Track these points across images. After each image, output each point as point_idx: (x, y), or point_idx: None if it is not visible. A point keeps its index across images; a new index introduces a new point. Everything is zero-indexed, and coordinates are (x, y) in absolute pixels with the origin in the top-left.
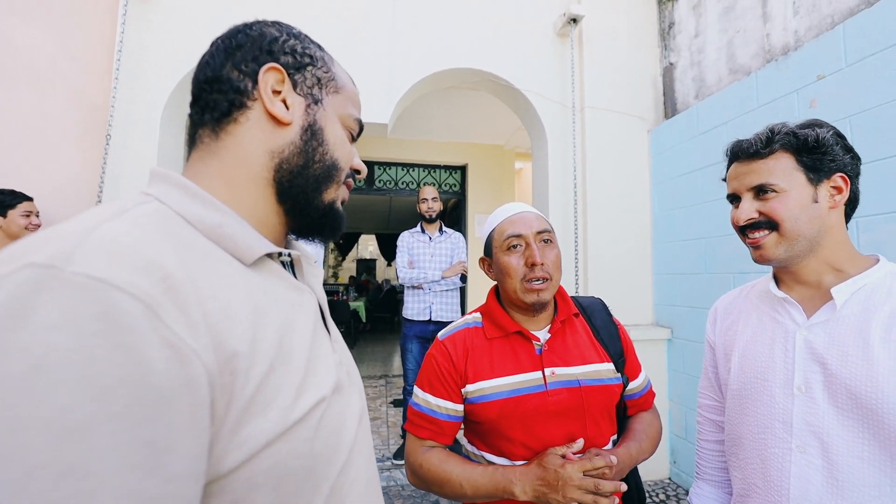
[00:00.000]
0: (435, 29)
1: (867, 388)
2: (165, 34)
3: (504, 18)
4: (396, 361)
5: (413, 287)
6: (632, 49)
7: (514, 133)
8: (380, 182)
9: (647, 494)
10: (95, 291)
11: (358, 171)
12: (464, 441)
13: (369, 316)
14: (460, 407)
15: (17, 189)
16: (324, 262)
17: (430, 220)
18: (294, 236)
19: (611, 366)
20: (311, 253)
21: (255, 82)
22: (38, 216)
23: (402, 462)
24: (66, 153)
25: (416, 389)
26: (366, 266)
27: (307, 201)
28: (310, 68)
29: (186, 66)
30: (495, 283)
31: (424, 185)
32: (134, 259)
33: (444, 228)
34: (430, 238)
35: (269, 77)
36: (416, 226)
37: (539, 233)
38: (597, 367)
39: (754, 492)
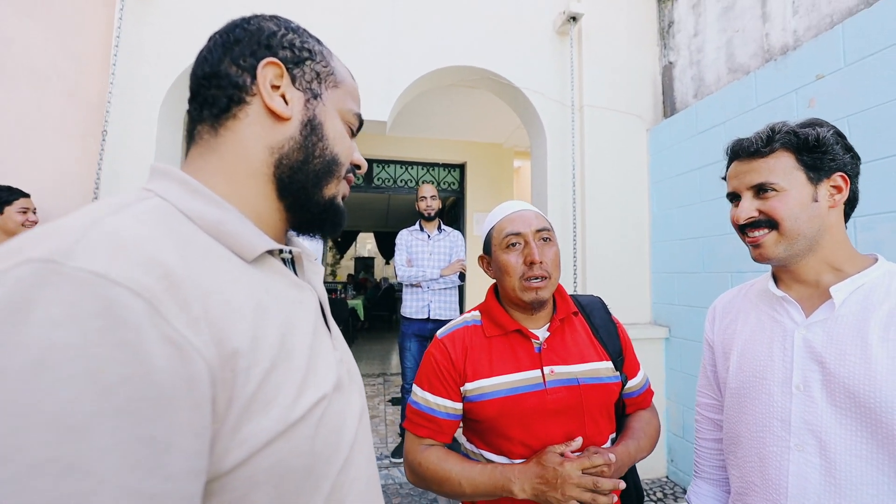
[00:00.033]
0: (434, 27)
1: (865, 386)
2: (163, 31)
3: (503, 16)
4: (394, 359)
5: (412, 285)
6: (631, 48)
7: (512, 131)
8: (378, 180)
9: (644, 493)
10: (97, 287)
11: (358, 166)
12: (462, 439)
13: (367, 314)
14: (459, 405)
15: (14, 185)
16: (322, 259)
17: (429, 219)
18: (295, 232)
19: (609, 364)
20: (311, 250)
21: (254, 77)
22: (34, 213)
23: (400, 460)
24: (63, 150)
25: (414, 388)
26: (364, 264)
27: (308, 197)
28: (308, 63)
29: (184, 62)
30: (494, 281)
31: (423, 182)
32: (135, 255)
33: (443, 227)
34: (429, 236)
35: (268, 72)
36: (414, 224)
37: (538, 231)
38: (596, 366)
39: (752, 490)
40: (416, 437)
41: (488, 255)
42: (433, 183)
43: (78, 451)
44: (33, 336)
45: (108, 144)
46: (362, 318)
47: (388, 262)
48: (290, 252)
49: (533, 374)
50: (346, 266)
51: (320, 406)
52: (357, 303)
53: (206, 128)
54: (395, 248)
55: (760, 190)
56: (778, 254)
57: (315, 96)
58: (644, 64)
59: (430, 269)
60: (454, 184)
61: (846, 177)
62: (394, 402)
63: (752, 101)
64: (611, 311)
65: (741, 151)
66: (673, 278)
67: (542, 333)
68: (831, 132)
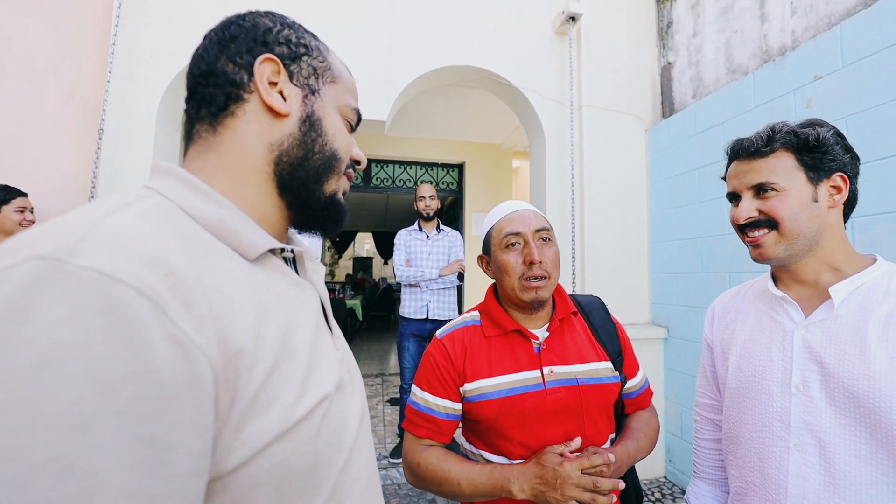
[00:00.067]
0: (434, 26)
1: (864, 387)
2: (161, 29)
3: (503, 16)
4: (392, 360)
5: (410, 285)
6: (630, 48)
7: (511, 131)
8: (377, 180)
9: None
10: (101, 285)
11: (358, 162)
12: (462, 440)
13: (366, 314)
14: (458, 406)
15: (12, 184)
16: (321, 259)
17: (428, 218)
18: (296, 230)
19: (609, 364)
20: (311, 249)
21: (251, 74)
22: (32, 212)
23: (399, 461)
24: (61, 149)
25: (414, 388)
26: (362, 264)
27: (308, 194)
28: (305, 58)
29: (183, 61)
30: (494, 281)
31: (422, 182)
32: (139, 253)
33: (442, 226)
34: (428, 236)
35: (265, 68)
36: (413, 224)
37: (538, 231)
38: (595, 366)
39: (752, 490)
40: (416, 438)
41: (487, 255)
42: (432, 183)
43: (80, 450)
44: (36, 334)
45: (107, 144)
46: (360, 319)
47: (386, 262)
48: (292, 251)
49: (532, 375)
50: (345, 266)
51: (322, 406)
52: (355, 303)
53: (204, 126)
54: (394, 248)
55: (760, 190)
56: (778, 254)
57: (313, 92)
58: (643, 64)
59: (429, 269)
60: (453, 184)
61: (846, 177)
62: (392, 402)
63: (750, 102)
64: (610, 311)
65: (741, 151)
66: (671, 278)
67: (541, 333)
68: (831, 132)
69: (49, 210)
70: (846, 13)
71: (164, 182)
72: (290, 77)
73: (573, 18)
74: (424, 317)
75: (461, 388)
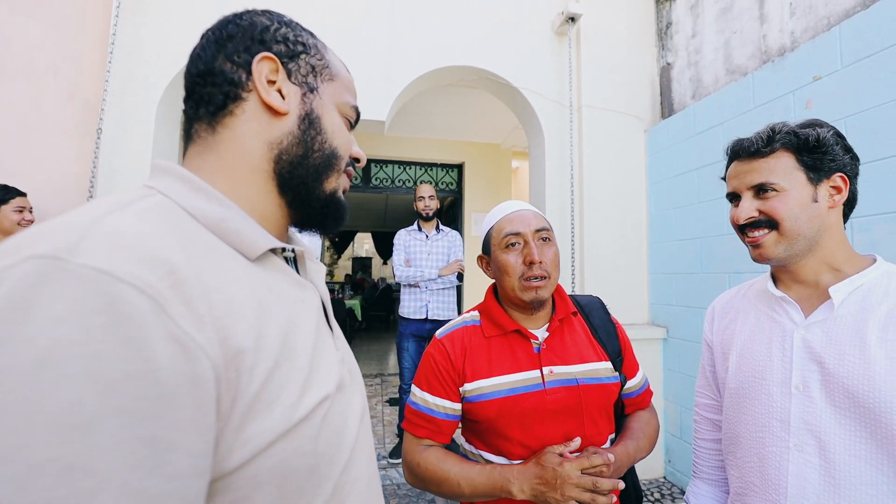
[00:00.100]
0: (433, 26)
1: (864, 387)
2: (160, 28)
3: (502, 16)
4: (392, 360)
5: (410, 285)
6: (629, 48)
7: (510, 132)
8: (376, 180)
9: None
10: (101, 284)
11: (357, 160)
12: (461, 440)
13: (365, 314)
14: (458, 406)
15: (11, 184)
16: (320, 258)
17: (427, 218)
18: (296, 229)
19: (609, 364)
20: (311, 248)
21: (249, 73)
22: (31, 212)
23: (398, 461)
24: (61, 149)
25: (413, 388)
26: (361, 264)
27: (308, 192)
28: (303, 56)
29: (182, 60)
30: (493, 281)
31: (421, 182)
32: (139, 252)
33: (441, 227)
34: (427, 236)
35: (263, 67)
36: (412, 224)
37: (538, 231)
38: (595, 366)
39: (752, 490)
40: (415, 438)
41: (487, 255)
42: (431, 183)
43: (80, 450)
44: (37, 333)
45: (106, 143)
46: (360, 319)
47: (385, 263)
48: (293, 250)
49: (532, 375)
50: (344, 266)
51: (323, 406)
52: (354, 303)
53: (203, 126)
54: (394, 248)
55: (760, 190)
56: (778, 254)
57: (311, 90)
58: (642, 65)
59: (429, 270)
60: (452, 184)
61: (846, 177)
62: (391, 402)
63: (749, 103)
64: (609, 311)
65: (741, 151)
66: (671, 279)
67: (541, 334)
68: (831, 133)
69: (48, 210)
70: (845, 14)
71: (164, 181)
72: (289, 75)
73: (573, 19)
74: (424, 317)
75: (461, 389)
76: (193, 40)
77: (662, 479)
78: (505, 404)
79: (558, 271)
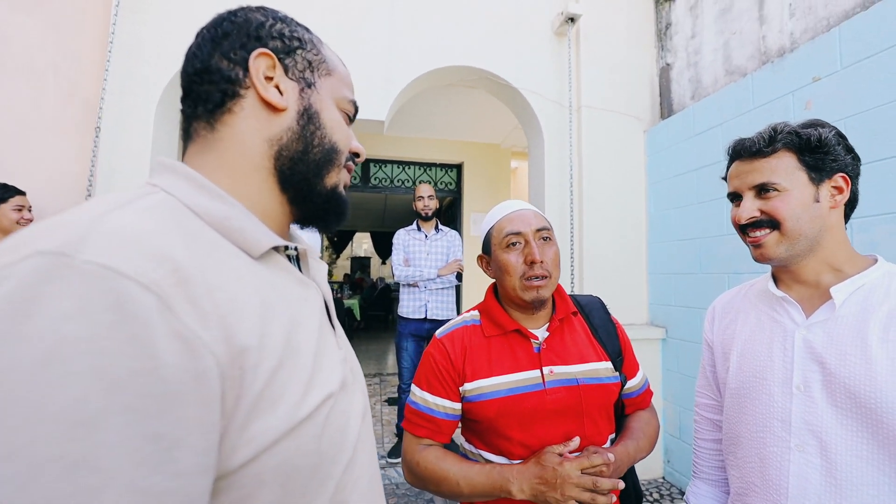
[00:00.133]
0: (433, 26)
1: (866, 387)
2: (160, 27)
3: (502, 17)
4: (390, 360)
5: (409, 285)
6: (629, 49)
7: (510, 132)
8: (375, 180)
9: None
10: (107, 281)
11: (357, 155)
12: (461, 440)
13: (363, 314)
14: (458, 405)
15: (10, 183)
16: (319, 257)
17: (426, 218)
18: (299, 226)
19: (609, 364)
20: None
21: (246, 70)
22: (30, 210)
23: (397, 460)
24: (60, 148)
25: (413, 388)
26: (360, 264)
27: (310, 188)
28: (300, 51)
29: (182, 59)
30: (493, 281)
31: (420, 182)
32: (145, 249)
33: (441, 226)
34: (426, 236)
35: (260, 63)
36: (411, 224)
37: (538, 230)
38: (595, 366)
39: (753, 490)
40: (415, 437)
41: (487, 255)
42: (430, 183)
43: (85, 447)
44: (42, 329)
45: (105, 142)
46: (358, 318)
47: (384, 262)
48: (296, 249)
49: (532, 375)
50: (343, 266)
51: (327, 405)
52: (353, 303)
53: (202, 124)
54: (393, 248)
55: (762, 190)
56: (779, 254)
57: (309, 85)
58: (642, 65)
59: (428, 269)
60: (451, 184)
61: (847, 177)
62: (390, 402)
63: (749, 103)
64: (609, 311)
65: (743, 151)
66: (670, 279)
67: (541, 333)
68: (833, 133)
69: (47, 209)
70: (845, 15)
71: (167, 179)
72: (286, 71)
73: (572, 19)
74: (423, 317)
75: (461, 388)
76: (193, 39)
77: (661, 480)
78: (505, 404)
79: (559, 271)
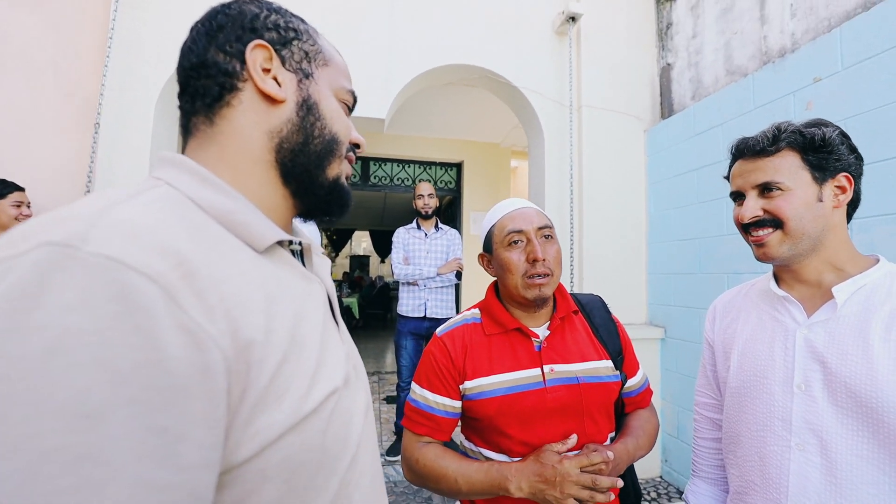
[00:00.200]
0: (433, 25)
1: (867, 387)
2: (159, 24)
3: (503, 15)
4: (389, 358)
5: (408, 283)
6: (630, 49)
7: (510, 131)
8: (375, 178)
9: None
10: (113, 272)
11: (358, 145)
12: (461, 438)
13: (362, 312)
14: (458, 403)
15: (9, 179)
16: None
17: (426, 217)
18: (302, 219)
19: (609, 363)
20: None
21: (243, 62)
22: (28, 206)
23: (395, 458)
24: (59, 145)
25: (413, 385)
26: (359, 263)
27: (312, 180)
28: (296, 42)
29: None
30: (494, 279)
31: (420, 181)
32: (150, 241)
33: (440, 225)
34: (426, 234)
35: (257, 55)
36: (411, 222)
37: (540, 228)
38: (595, 365)
39: (752, 489)
40: (415, 435)
41: (489, 253)
42: (430, 181)
43: (90, 439)
44: (47, 321)
45: (104, 139)
46: (357, 317)
47: (383, 261)
48: (300, 243)
49: (533, 373)
50: (342, 264)
51: (331, 400)
52: (352, 301)
53: (201, 119)
54: (392, 246)
55: (765, 189)
56: (782, 253)
57: (307, 76)
58: (642, 65)
59: (427, 268)
60: (451, 183)
61: (850, 177)
62: (388, 400)
63: (749, 103)
64: (610, 310)
65: (746, 150)
66: (669, 279)
67: (542, 332)
68: (837, 132)
69: (46, 205)
70: (846, 16)
71: (171, 172)
72: (283, 62)
73: (573, 18)
74: (422, 315)
75: (461, 386)
76: None
77: (659, 479)
78: (505, 402)
79: (560, 269)
